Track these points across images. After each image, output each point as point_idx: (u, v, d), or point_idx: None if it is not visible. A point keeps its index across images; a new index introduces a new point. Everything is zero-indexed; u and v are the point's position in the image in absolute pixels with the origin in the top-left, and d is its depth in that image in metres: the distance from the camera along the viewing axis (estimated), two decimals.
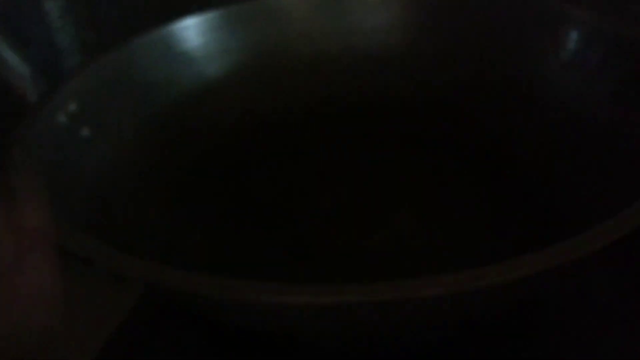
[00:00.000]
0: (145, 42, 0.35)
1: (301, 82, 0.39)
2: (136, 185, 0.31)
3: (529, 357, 0.26)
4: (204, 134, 0.36)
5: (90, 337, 0.22)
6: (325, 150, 0.37)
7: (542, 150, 0.33)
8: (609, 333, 0.26)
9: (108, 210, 0.29)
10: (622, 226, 0.19)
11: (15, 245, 0.19)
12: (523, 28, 0.36)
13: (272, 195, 0.35)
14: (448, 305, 0.19)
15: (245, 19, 0.38)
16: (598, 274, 0.28)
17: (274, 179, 0.35)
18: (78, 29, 0.50)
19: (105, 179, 0.30)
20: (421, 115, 0.38)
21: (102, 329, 0.27)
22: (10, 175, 0.24)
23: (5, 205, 0.21)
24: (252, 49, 0.38)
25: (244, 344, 0.26)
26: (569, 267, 0.19)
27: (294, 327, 0.22)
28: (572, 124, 0.32)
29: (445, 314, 0.21)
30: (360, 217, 0.33)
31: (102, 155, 0.31)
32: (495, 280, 0.18)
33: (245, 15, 0.38)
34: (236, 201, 0.34)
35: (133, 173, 0.32)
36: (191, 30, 0.37)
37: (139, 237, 0.29)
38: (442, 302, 0.19)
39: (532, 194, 0.32)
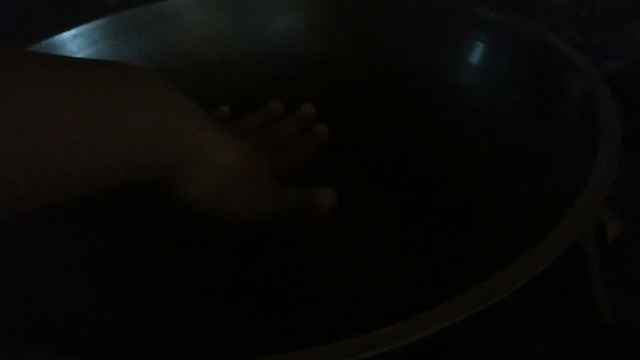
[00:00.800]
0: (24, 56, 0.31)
1: (205, 86, 0.37)
2: None
3: None
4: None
5: None
6: None
7: (451, 154, 0.32)
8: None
9: None
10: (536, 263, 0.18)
11: None
12: (431, 30, 0.34)
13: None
14: None
15: (141, 23, 0.35)
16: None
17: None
18: None
19: None
20: (329, 119, 0.36)
21: None
22: None
23: None
24: (151, 55, 0.36)
25: None
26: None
27: None
28: (482, 128, 0.31)
29: None
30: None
31: None
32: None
33: (141, 19, 0.35)
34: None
35: None
36: (81, 39, 0.34)
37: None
38: None
39: (441, 198, 0.31)
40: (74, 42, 0.33)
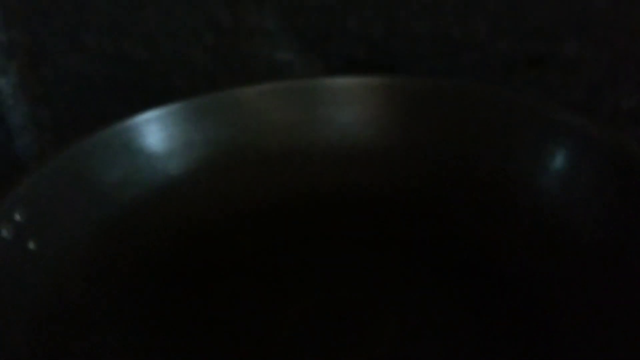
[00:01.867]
0: (100, 139, 0.32)
1: (270, 176, 0.37)
2: (81, 309, 0.28)
3: None
4: (165, 236, 0.33)
5: None
6: (296, 248, 0.34)
7: (523, 261, 0.31)
8: None
9: (52, 336, 0.26)
10: None
11: None
12: (500, 125, 0.34)
13: (236, 306, 0.32)
14: None
15: (209, 111, 0.36)
16: None
17: (238, 288, 0.33)
18: (31, 105, 0.47)
19: (50, 300, 0.27)
20: (394, 212, 0.36)
21: None
22: None
23: None
24: (217, 142, 0.36)
25: None
26: None
27: None
28: (557, 237, 0.30)
29: None
30: (336, 330, 0.30)
31: (49, 272, 0.28)
32: None
33: (209, 107, 0.36)
34: (197, 320, 0.31)
35: (82, 289, 0.29)
36: (153, 123, 0.34)
37: None
38: None
39: (514, 305, 0.29)
40: (145, 126, 0.34)
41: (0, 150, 0.45)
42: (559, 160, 0.31)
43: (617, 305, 0.25)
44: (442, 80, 0.37)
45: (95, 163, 0.32)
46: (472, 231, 0.34)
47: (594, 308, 0.27)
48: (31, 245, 0.28)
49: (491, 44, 0.40)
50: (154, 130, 0.34)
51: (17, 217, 0.28)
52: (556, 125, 0.31)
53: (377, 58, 0.41)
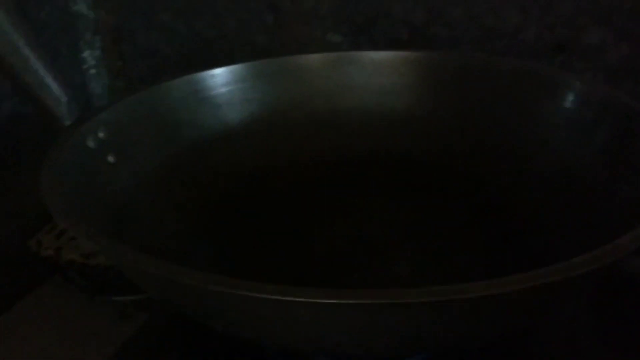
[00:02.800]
0: (174, 85, 0.38)
1: (314, 134, 0.42)
2: (153, 213, 0.33)
3: None
4: (221, 175, 0.38)
5: None
6: (334, 195, 0.39)
7: (537, 202, 0.35)
8: None
9: (124, 232, 0.31)
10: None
11: None
12: (522, 93, 0.38)
13: (279, 230, 0.36)
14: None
15: (267, 73, 0.41)
16: None
17: (281, 217, 0.37)
18: (110, 77, 0.53)
19: (125, 204, 0.32)
20: (425, 170, 0.40)
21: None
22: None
23: None
24: (271, 101, 0.41)
25: None
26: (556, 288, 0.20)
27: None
28: (562, 179, 0.34)
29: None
30: (362, 257, 0.34)
31: (124, 182, 0.33)
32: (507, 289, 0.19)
33: (267, 69, 0.41)
34: (245, 236, 0.36)
35: (151, 201, 0.34)
36: (217, 78, 0.40)
37: None
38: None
39: (526, 242, 0.33)
40: (211, 80, 0.40)
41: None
42: (561, 115, 0.35)
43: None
44: (471, 54, 0.42)
45: (169, 102, 0.37)
46: (489, 185, 0.38)
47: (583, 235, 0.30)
48: (110, 158, 0.33)
49: (520, 31, 0.44)
50: (218, 85, 0.40)
51: (101, 134, 0.33)
52: (560, 84, 0.35)
53: (417, 41, 0.46)
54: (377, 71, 0.42)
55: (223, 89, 0.40)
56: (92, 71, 0.52)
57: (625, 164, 0.30)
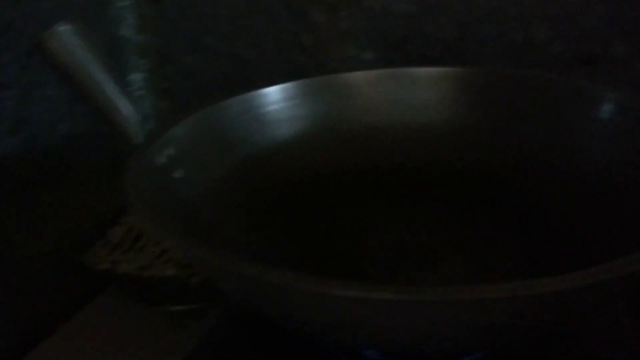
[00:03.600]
0: (229, 104, 0.40)
1: (357, 148, 0.44)
2: (217, 223, 0.36)
3: None
4: (274, 186, 0.41)
5: None
6: (379, 204, 0.41)
7: (573, 209, 0.37)
8: None
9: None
10: None
11: None
12: (558, 106, 0.41)
13: (329, 238, 0.39)
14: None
15: (313, 91, 0.44)
16: None
17: (331, 226, 0.40)
18: (156, 98, 0.56)
19: (192, 214, 0.35)
20: (465, 182, 0.42)
21: None
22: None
23: None
24: (317, 117, 0.44)
25: None
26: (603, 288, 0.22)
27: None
28: (601, 189, 0.36)
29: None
30: (411, 260, 0.37)
31: (191, 194, 0.36)
32: (552, 289, 0.21)
33: (314, 87, 0.44)
34: (298, 243, 0.38)
35: (215, 211, 0.36)
36: (267, 97, 0.42)
37: None
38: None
39: (564, 245, 0.35)
40: (262, 98, 0.42)
41: None
42: (597, 125, 0.37)
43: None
44: (507, 69, 0.44)
45: (225, 120, 0.40)
46: (527, 193, 0.40)
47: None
48: (177, 174, 0.36)
49: (549, 45, 0.46)
50: (269, 102, 0.42)
51: (169, 151, 0.36)
52: (594, 95, 0.38)
53: (449, 57, 0.49)
54: (415, 87, 0.45)
55: (272, 107, 0.43)
56: (139, 92, 0.55)
57: None
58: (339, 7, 0.49)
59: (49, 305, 0.42)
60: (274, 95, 0.43)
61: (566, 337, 0.33)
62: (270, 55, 0.52)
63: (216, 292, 0.40)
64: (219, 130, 0.39)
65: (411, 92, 0.45)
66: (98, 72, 0.34)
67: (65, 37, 0.33)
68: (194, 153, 0.37)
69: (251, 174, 0.40)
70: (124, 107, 0.35)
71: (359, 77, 0.45)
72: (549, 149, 0.40)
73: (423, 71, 0.45)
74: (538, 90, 0.42)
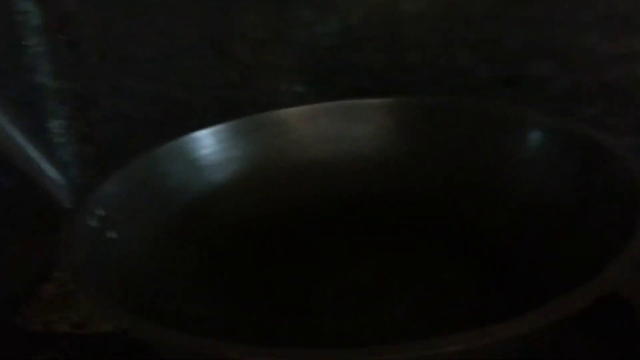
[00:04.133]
0: (160, 152, 0.39)
1: (296, 185, 0.44)
2: (157, 283, 0.34)
3: None
4: (214, 234, 0.40)
5: None
6: (324, 242, 0.41)
7: (512, 232, 0.38)
8: None
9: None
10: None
11: None
12: (490, 131, 0.41)
13: (277, 281, 0.38)
14: None
15: (246, 130, 0.43)
16: None
17: (278, 269, 0.39)
18: (79, 144, 0.54)
19: (128, 274, 0.33)
20: (405, 209, 0.43)
21: None
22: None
23: None
24: (253, 157, 0.43)
25: None
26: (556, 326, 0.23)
27: None
28: (537, 210, 0.37)
29: None
30: (362, 298, 0.36)
31: (127, 254, 0.34)
32: (505, 335, 0.21)
33: (245, 127, 0.43)
34: (247, 287, 0.37)
35: (154, 270, 0.35)
36: (199, 142, 0.41)
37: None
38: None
39: (506, 268, 0.36)
40: (194, 143, 0.41)
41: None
42: (529, 149, 0.38)
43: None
44: (438, 98, 0.45)
45: (157, 171, 0.38)
46: (469, 217, 0.41)
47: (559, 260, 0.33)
48: (111, 234, 0.34)
49: (472, 69, 0.47)
50: (200, 147, 0.41)
51: (100, 211, 0.34)
52: (524, 121, 0.39)
53: (379, 87, 0.49)
54: (348, 120, 0.45)
55: (206, 151, 0.41)
56: (59, 139, 0.53)
57: (593, 192, 0.33)
58: (265, 43, 0.48)
59: None
60: (206, 139, 0.41)
61: None
62: (198, 95, 0.51)
63: None
64: (151, 182, 0.38)
65: (345, 125, 0.45)
66: (18, 136, 0.32)
67: None
68: (126, 210, 0.35)
69: (189, 223, 0.38)
70: (49, 171, 0.33)
71: (291, 113, 0.45)
72: (481, 173, 0.41)
73: (355, 103, 0.45)
74: (467, 117, 0.43)
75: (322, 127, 0.45)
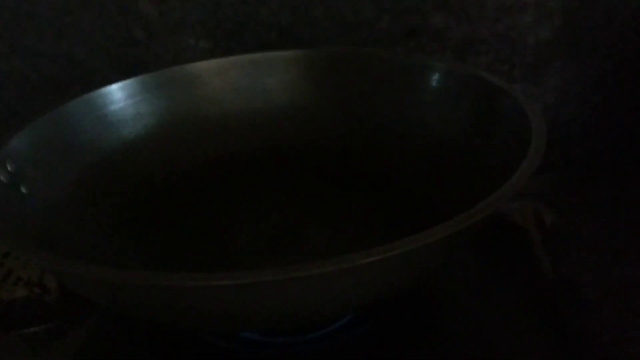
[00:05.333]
0: (70, 107, 0.38)
1: (209, 137, 0.44)
2: (72, 235, 0.34)
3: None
4: (127, 189, 0.39)
5: None
6: (240, 192, 0.42)
7: (416, 171, 0.40)
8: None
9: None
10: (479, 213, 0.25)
11: None
12: (392, 79, 0.43)
13: (196, 233, 0.39)
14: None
15: (156, 85, 0.43)
16: None
17: (194, 221, 0.40)
18: None
19: (43, 230, 0.33)
20: (316, 156, 0.44)
21: None
22: None
23: None
24: (163, 112, 0.43)
25: None
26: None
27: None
28: (439, 149, 0.39)
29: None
30: (279, 238, 0.38)
31: (39, 210, 0.33)
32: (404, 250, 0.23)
33: (155, 82, 0.43)
34: (162, 244, 0.38)
35: (68, 223, 0.34)
36: (108, 96, 0.41)
37: None
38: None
39: (411, 204, 0.38)
40: (104, 98, 0.40)
41: None
42: (431, 94, 0.41)
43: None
44: (343, 48, 0.46)
45: (66, 126, 0.38)
46: (374, 160, 0.43)
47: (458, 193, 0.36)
48: (23, 189, 0.33)
49: (376, 21, 0.49)
50: (110, 102, 0.41)
51: (9, 167, 0.33)
52: (425, 69, 0.41)
53: (286, 42, 0.50)
54: (257, 73, 0.45)
55: (115, 106, 0.41)
56: None
57: (486, 129, 0.36)
58: None
59: None
60: (115, 94, 0.41)
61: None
62: (102, 52, 0.50)
63: (74, 307, 0.39)
64: (61, 138, 0.37)
65: (254, 78, 0.45)
66: None
67: None
68: (37, 166, 0.35)
69: (101, 178, 0.38)
70: None
71: (200, 67, 0.45)
72: (391, 120, 0.43)
73: (263, 56, 0.45)
74: (371, 65, 0.44)
75: (233, 80, 0.45)
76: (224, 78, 0.45)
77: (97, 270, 0.23)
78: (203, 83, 0.44)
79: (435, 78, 0.40)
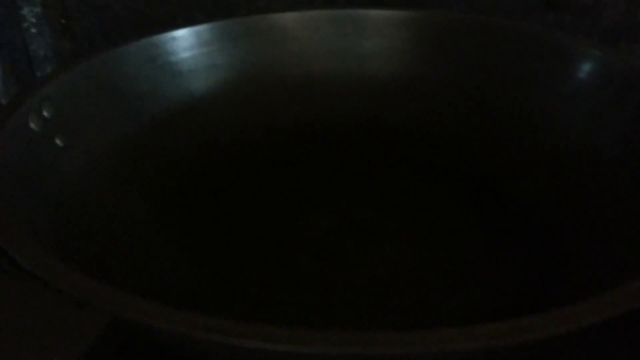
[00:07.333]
0: (129, 50, 0.33)
1: (290, 102, 0.38)
2: (108, 204, 0.29)
3: None
4: (186, 153, 0.34)
5: None
6: (314, 172, 0.35)
7: (541, 183, 0.31)
8: None
9: (74, 230, 0.26)
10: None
11: None
12: (523, 60, 0.35)
13: (257, 219, 0.32)
14: None
15: (235, 34, 0.37)
16: None
17: (258, 202, 0.33)
18: (54, 37, 0.47)
19: (74, 194, 0.28)
20: (414, 144, 0.37)
21: (66, 358, 0.24)
22: None
23: None
24: (240, 66, 0.37)
25: None
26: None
27: None
28: (575, 161, 0.31)
29: None
30: (353, 247, 0.30)
31: (76, 169, 0.28)
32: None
33: (236, 30, 0.37)
34: (219, 227, 0.31)
35: (106, 190, 0.29)
36: (179, 42, 0.35)
37: (106, 259, 0.26)
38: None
39: (528, 228, 0.30)
40: (172, 43, 0.35)
41: (22, 77, 0.46)
42: (575, 87, 0.31)
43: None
44: (467, 15, 0.38)
45: (122, 73, 0.32)
46: (484, 157, 0.35)
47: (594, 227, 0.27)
48: (58, 141, 0.28)
49: None
50: (179, 49, 0.35)
51: (45, 113, 0.28)
52: (572, 54, 0.32)
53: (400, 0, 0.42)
54: (359, 32, 0.38)
55: (186, 54, 0.35)
56: (33, 30, 0.46)
57: None
58: None
59: None
60: (187, 39, 0.35)
61: None
62: None
63: None
64: (114, 85, 0.32)
65: (354, 39, 0.38)
66: None
67: None
68: (78, 115, 0.30)
69: (156, 140, 0.33)
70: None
71: (291, 18, 0.38)
72: (506, 107, 0.35)
73: (369, 14, 0.38)
74: (497, 40, 0.36)
75: (326, 38, 0.38)
76: (315, 34, 0.38)
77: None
78: (291, 38, 0.38)
79: (584, 68, 0.31)
